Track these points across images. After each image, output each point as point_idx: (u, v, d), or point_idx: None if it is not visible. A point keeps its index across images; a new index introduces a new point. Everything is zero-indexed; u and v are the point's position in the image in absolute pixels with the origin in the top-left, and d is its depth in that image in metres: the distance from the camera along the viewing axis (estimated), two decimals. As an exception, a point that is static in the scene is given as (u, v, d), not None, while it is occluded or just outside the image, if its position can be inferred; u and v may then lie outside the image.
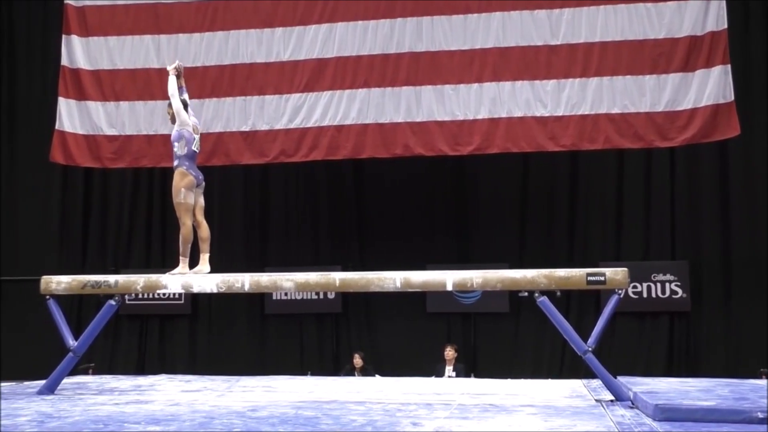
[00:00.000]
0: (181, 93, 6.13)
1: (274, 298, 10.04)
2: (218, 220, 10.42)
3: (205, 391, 5.64)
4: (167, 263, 10.24)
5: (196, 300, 10.23)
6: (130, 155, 9.25)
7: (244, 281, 5.57)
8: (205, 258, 6.00)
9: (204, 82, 9.03)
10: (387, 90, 8.74)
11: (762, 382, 6.04)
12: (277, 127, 8.94)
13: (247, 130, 9.01)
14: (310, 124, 8.87)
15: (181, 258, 6.00)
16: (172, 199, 6.09)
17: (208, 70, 9.09)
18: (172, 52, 9.09)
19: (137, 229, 10.53)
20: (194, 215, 6.04)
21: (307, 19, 8.96)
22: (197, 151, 6.16)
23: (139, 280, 5.75)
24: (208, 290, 5.69)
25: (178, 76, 6.10)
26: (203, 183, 6.16)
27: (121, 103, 9.22)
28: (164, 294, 9.75)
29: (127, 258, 10.46)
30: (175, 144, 6.06)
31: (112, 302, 5.62)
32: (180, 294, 9.91)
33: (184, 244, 6.00)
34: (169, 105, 6.12)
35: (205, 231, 6.05)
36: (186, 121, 6.07)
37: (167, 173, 10.33)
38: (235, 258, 9.91)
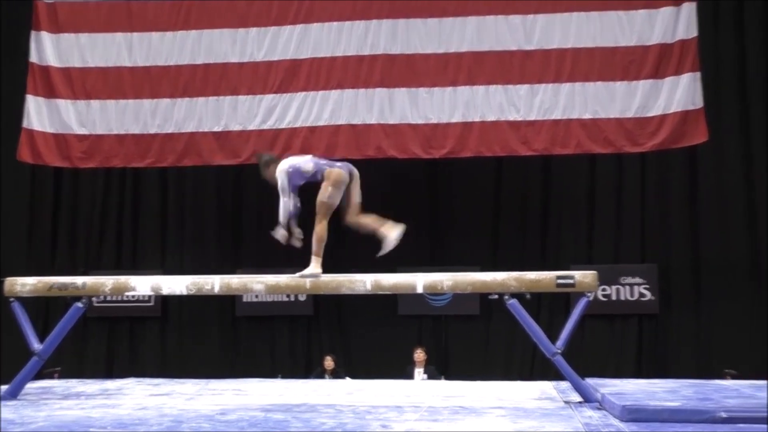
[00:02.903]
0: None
1: (245, 300, 9.98)
2: (190, 221, 10.37)
3: (174, 394, 5.59)
4: (138, 265, 10.21)
5: (166, 302, 10.13)
6: (100, 155, 9.14)
7: (214, 283, 5.52)
8: (386, 226, 5.64)
9: (176, 82, 8.97)
10: (361, 91, 8.75)
11: (726, 382, 6.13)
12: (250, 127, 8.90)
13: (220, 130, 8.95)
14: (283, 125, 8.84)
15: (313, 257, 5.62)
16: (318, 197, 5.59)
17: (180, 69, 9.01)
18: (145, 50, 9.02)
19: (107, 230, 10.41)
20: (349, 215, 5.65)
21: (282, 19, 8.93)
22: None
23: (107, 282, 5.67)
24: (177, 292, 5.63)
25: None
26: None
27: (92, 101, 9.12)
28: (133, 296, 9.66)
29: (98, 259, 10.34)
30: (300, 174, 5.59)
31: (79, 304, 5.53)
32: (149, 296, 9.83)
33: (318, 243, 5.63)
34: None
35: (365, 218, 5.70)
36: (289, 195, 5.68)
37: (139, 173, 10.31)
38: (207, 260, 9.86)
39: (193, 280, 5.58)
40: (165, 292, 5.72)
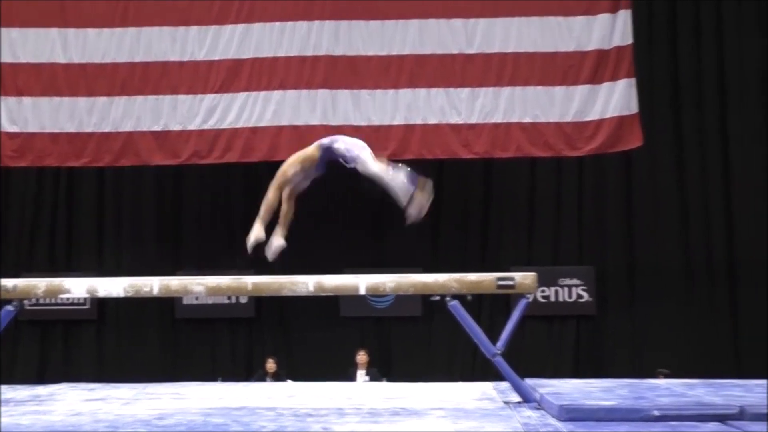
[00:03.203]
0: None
1: (185, 302, 9.83)
2: (129, 222, 10.17)
3: (110, 399, 5.45)
4: (73, 266, 9.95)
5: (102, 304, 9.91)
6: (32, 153, 8.88)
7: (152, 285, 5.41)
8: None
9: (114, 80, 8.78)
10: (303, 92, 8.71)
11: (659, 381, 6.30)
12: (191, 127, 8.77)
13: (159, 129, 8.80)
14: (224, 126, 8.75)
15: (258, 219, 5.29)
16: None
17: (118, 67, 8.83)
18: (80, 46, 8.80)
19: (40, 230, 10.13)
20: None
21: (224, 18, 8.83)
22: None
23: (40, 284, 5.49)
24: (114, 294, 5.50)
25: None
26: None
27: (24, 98, 8.85)
28: (68, 298, 9.37)
29: (30, 260, 10.04)
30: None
31: (10, 307, 5.34)
32: (85, 299, 9.58)
33: (264, 208, 5.29)
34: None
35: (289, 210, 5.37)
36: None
37: (74, 172, 10.06)
38: (145, 261, 9.68)
39: (130, 281, 5.46)
40: (101, 294, 5.58)
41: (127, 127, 8.79)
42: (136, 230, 10.08)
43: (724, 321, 9.48)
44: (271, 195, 5.34)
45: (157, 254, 9.94)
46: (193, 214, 10.20)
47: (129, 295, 5.42)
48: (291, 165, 5.30)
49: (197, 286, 5.45)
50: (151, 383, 6.37)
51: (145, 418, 4.51)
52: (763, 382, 5.88)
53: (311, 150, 5.30)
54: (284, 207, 5.44)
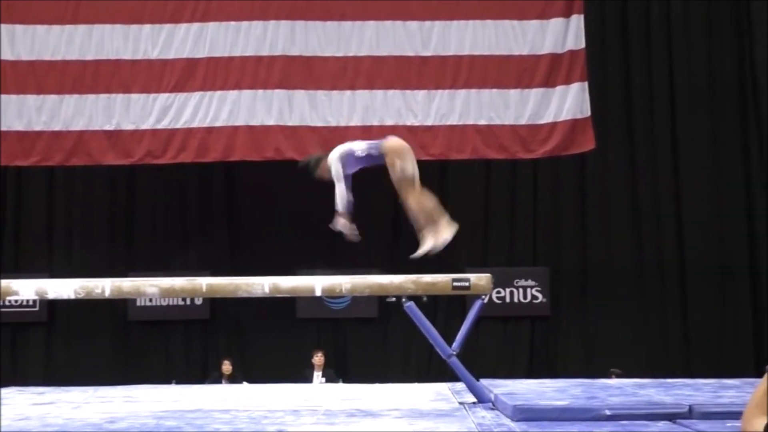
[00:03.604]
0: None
1: (138, 304, 9.68)
2: (80, 222, 9.98)
3: (59, 403, 5.35)
4: (22, 267, 9.72)
5: (52, 306, 9.70)
6: (-20, 152, 8.67)
7: (104, 286, 5.32)
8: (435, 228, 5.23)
9: (64, 78, 8.60)
10: (259, 92, 8.65)
11: (611, 381, 6.41)
12: (144, 127, 8.64)
13: (111, 129, 8.65)
14: (178, 125, 8.64)
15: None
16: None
17: (68, 64, 8.65)
18: (29, 43, 8.60)
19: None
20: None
21: (178, 17, 8.72)
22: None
23: (-13, 286, 5.37)
24: (65, 296, 5.39)
25: None
26: None
27: (-32, 96, 8.64)
28: (16, 301, 9.17)
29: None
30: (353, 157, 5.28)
31: (-43, 310, 5.22)
32: (34, 300, 9.37)
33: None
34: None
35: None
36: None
37: (22, 171, 9.82)
38: (98, 262, 9.50)
39: (81, 283, 5.36)
40: (51, 296, 5.47)
41: (79, 125, 8.62)
42: (88, 230, 9.89)
43: (674, 321, 9.68)
44: (420, 201, 5.23)
45: (109, 255, 9.78)
46: (147, 214, 10.05)
47: (80, 296, 5.32)
48: (404, 168, 5.18)
49: (150, 288, 5.37)
50: (103, 386, 6.27)
51: (95, 422, 4.44)
52: (711, 381, 6.03)
53: (403, 142, 5.23)
54: (426, 206, 5.33)
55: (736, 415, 4.34)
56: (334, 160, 5.27)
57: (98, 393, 5.82)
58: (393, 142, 5.25)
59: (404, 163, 5.16)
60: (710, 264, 9.61)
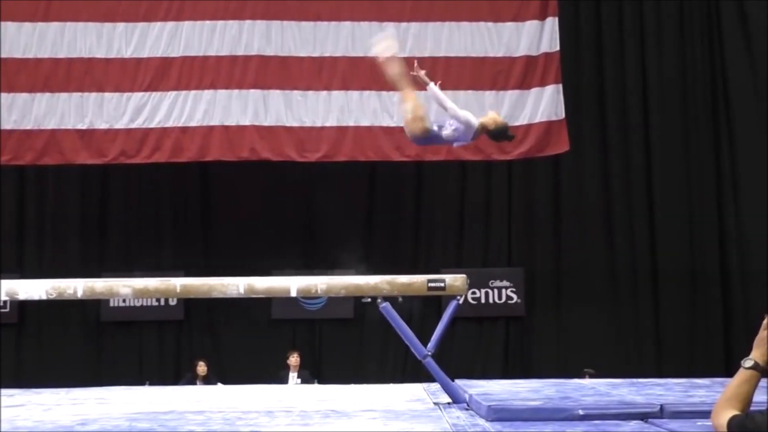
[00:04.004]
0: None
1: (112, 305, 9.58)
2: (52, 222, 9.86)
3: (30, 405, 5.28)
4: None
5: (23, 307, 9.57)
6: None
7: (76, 287, 5.26)
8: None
9: (36, 76, 8.50)
10: (234, 92, 8.61)
11: (585, 381, 6.46)
12: (117, 126, 8.56)
13: (84, 128, 8.56)
14: (153, 125, 8.57)
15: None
16: None
17: (40, 62, 8.55)
18: (-1, 40, 8.49)
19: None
20: None
21: (152, 15, 8.65)
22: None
23: (-44, 287, 5.29)
24: (36, 297, 5.32)
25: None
26: None
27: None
28: (-13, 301, 9.05)
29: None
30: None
31: (-75, 311, 5.13)
32: (5, 301, 9.23)
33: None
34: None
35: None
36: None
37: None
38: (70, 262, 9.40)
39: (53, 283, 5.30)
40: (22, 297, 5.40)
41: (51, 124, 8.52)
42: (60, 230, 9.78)
43: (647, 322, 9.78)
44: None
45: (82, 255, 9.67)
46: (120, 214, 9.96)
47: (51, 297, 5.27)
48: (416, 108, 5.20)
49: (124, 289, 5.32)
50: (75, 388, 6.20)
51: (66, 424, 4.39)
52: (682, 381, 6.10)
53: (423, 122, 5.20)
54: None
55: (706, 414, 4.39)
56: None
57: (70, 395, 5.76)
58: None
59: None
60: (682, 265, 9.73)
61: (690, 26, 9.93)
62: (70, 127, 8.56)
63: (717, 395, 5.18)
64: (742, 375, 1.97)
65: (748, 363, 1.96)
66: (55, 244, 9.78)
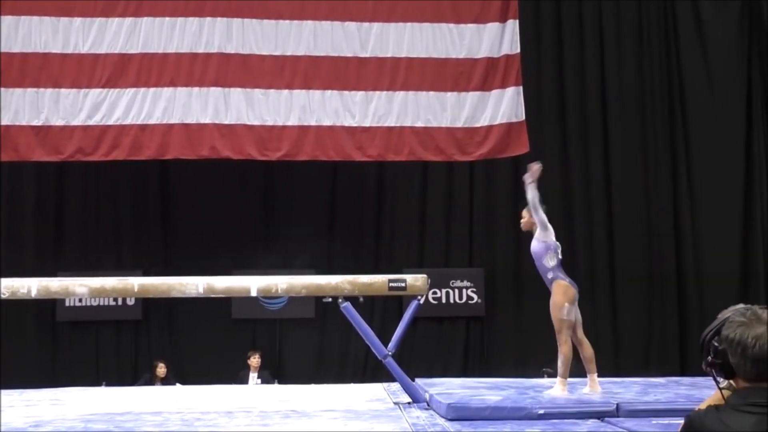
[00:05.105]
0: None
1: (68, 304, 9.41)
2: (6, 221, 9.66)
3: (-17, 407, 5.16)
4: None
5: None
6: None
7: (30, 287, 5.18)
8: (593, 378, 5.41)
9: (-11, 70, 8.30)
10: (194, 90, 8.50)
11: (543, 380, 6.53)
12: (74, 123, 8.39)
13: (39, 124, 8.38)
14: (111, 122, 8.42)
15: (559, 379, 5.31)
16: (553, 313, 5.44)
17: (-7, 56, 8.35)
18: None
19: None
20: (574, 331, 5.45)
21: (110, 11, 8.50)
22: (561, 257, 5.63)
23: None
24: (-12, 297, 5.21)
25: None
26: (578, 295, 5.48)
27: None
28: (-62, 301, 8.81)
29: None
30: (544, 257, 5.59)
31: None
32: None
33: (565, 365, 5.33)
34: (527, 211, 5.70)
35: (588, 349, 5.49)
36: (552, 232, 5.65)
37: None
38: (25, 262, 9.20)
39: (6, 283, 5.20)
40: (-27, 297, 5.29)
41: (4, 120, 8.32)
42: (14, 229, 9.58)
43: (604, 322, 9.90)
44: (567, 348, 5.44)
45: (37, 255, 9.49)
46: (77, 212, 9.79)
47: (5, 297, 5.17)
48: (566, 310, 5.44)
49: (80, 288, 5.25)
50: (29, 389, 6.09)
51: (20, 426, 4.31)
52: (639, 380, 6.20)
53: (572, 290, 5.54)
54: (587, 352, 5.56)
55: (661, 413, 4.48)
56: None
57: (24, 396, 5.65)
58: (567, 287, 5.56)
59: (571, 308, 5.47)
60: (639, 268, 9.88)
61: (648, 26, 10.09)
62: (24, 123, 8.38)
63: (672, 394, 5.29)
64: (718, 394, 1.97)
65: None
66: (9, 244, 9.57)
